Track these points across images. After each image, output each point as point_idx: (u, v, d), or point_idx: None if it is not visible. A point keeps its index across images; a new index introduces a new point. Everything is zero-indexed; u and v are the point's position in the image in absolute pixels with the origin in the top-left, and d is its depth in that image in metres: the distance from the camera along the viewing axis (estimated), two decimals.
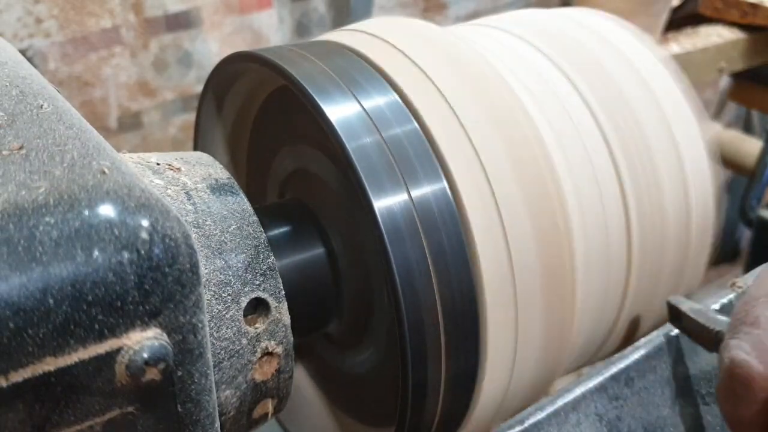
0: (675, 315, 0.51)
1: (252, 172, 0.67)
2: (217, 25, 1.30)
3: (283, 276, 0.44)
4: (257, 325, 0.42)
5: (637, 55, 0.60)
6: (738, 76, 1.33)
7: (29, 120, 0.34)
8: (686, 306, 0.50)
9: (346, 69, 0.50)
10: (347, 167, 0.45)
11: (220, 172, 0.47)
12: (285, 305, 0.43)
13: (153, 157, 0.45)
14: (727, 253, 1.89)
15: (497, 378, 0.49)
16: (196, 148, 0.65)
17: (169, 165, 0.45)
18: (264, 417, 0.45)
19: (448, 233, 0.46)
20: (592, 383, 0.48)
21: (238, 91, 0.62)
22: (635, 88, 0.58)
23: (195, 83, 1.31)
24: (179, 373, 0.31)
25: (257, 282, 0.42)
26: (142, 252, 0.29)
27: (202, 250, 0.41)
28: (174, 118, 1.33)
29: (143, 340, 0.29)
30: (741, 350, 0.41)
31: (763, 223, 1.11)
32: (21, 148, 0.31)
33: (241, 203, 0.45)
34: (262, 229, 0.44)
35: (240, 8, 1.32)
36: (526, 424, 0.45)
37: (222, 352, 0.40)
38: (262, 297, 0.42)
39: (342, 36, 0.56)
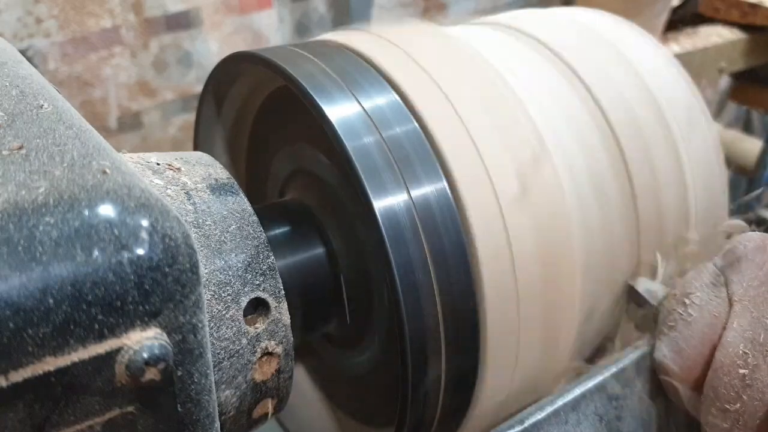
0: (632, 295, 0.52)
1: (252, 172, 0.67)
2: (217, 25, 1.30)
3: (283, 276, 0.44)
4: (257, 325, 0.42)
5: (640, 55, 0.60)
6: (738, 76, 1.33)
7: (29, 120, 0.34)
8: (642, 286, 0.52)
9: (346, 69, 0.50)
10: (347, 167, 0.45)
11: (220, 172, 0.47)
12: (285, 305, 0.43)
13: (153, 157, 0.45)
14: None
15: (497, 378, 0.49)
16: (196, 148, 0.65)
17: (169, 165, 0.45)
18: (264, 417, 0.45)
19: (448, 233, 0.45)
20: (592, 383, 0.48)
21: (238, 91, 0.62)
22: (637, 88, 0.58)
23: (195, 83, 1.31)
24: (179, 373, 0.31)
25: (257, 282, 0.42)
26: (142, 252, 0.29)
27: (202, 250, 0.41)
28: (174, 118, 1.32)
29: (143, 340, 0.29)
30: (661, 352, 0.45)
31: (763, 223, 1.11)
32: (21, 148, 0.31)
33: (241, 203, 0.45)
34: (262, 229, 0.44)
35: (240, 8, 1.32)
36: (526, 424, 0.45)
37: (222, 352, 0.40)
38: (262, 297, 0.42)
39: (342, 35, 0.56)
